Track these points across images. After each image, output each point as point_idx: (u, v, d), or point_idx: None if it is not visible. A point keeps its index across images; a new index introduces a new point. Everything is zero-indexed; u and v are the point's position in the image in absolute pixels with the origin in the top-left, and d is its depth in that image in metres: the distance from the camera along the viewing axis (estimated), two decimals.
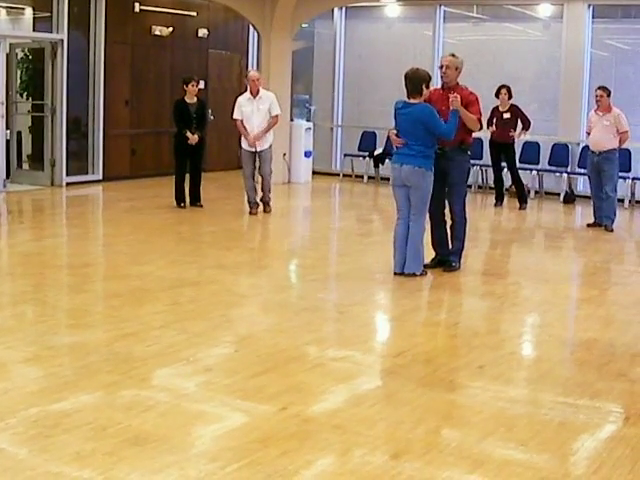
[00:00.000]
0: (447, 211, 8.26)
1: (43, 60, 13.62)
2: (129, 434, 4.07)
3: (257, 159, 11.47)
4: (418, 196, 7.65)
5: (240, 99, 11.48)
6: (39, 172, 13.83)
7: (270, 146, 11.46)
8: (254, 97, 11.33)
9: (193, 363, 5.25)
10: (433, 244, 8.24)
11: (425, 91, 7.55)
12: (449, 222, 8.27)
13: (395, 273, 7.74)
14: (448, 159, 7.83)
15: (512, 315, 6.92)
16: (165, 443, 3.98)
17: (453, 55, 8.02)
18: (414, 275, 7.70)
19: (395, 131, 7.71)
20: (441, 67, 7.92)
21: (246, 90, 11.45)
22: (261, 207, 11.55)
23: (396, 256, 7.78)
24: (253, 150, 11.34)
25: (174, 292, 7.15)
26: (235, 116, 11.42)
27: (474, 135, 8.11)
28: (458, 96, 7.58)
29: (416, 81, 7.53)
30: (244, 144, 11.42)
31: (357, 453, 3.96)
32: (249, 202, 11.50)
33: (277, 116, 11.43)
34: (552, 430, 4.33)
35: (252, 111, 11.30)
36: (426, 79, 7.56)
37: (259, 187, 11.54)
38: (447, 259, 8.17)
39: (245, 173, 11.49)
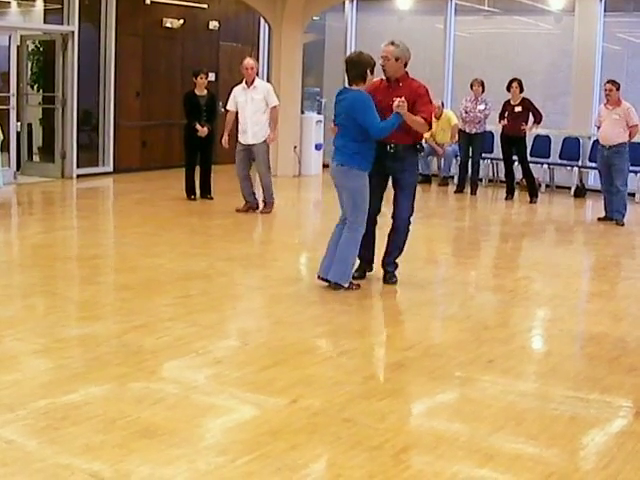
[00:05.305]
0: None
1: (54, 52, 13.64)
2: (139, 426, 4.07)
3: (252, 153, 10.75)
4: (347, 199, 6.84)
5: (235, 89, 10.86)
6: (49, 164, 13.86)
7: (264, 140, 10.68)
8: (248, 87, 10.64)
9: (203, 356, 5.25)
10: (360, 250, 6.99)
11: (369, 77, 6.73)
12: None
13: (318, 277, 6.98)
14: (399, 159, 6.92)
15: (523, 309, 6.90)
16: (175, 436, 3.98)
17: (392, 43, 6.89)
18: (339, 286, 6.81)
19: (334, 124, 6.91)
20: (381, 59, 6.85)
21: (242, 81, 10.79)
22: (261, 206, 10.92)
23: (325, 259, 6.94)
24: (246, 143, 10.65)
25: (184, 284, 7.15)
26: (228, 107, 10.83)
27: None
28: (405, 102, 6.55)
29: (360, 66, 6.70)
30: (240, 137, 10.72)
31: (366, 446, 3.95)
32: (244, 197, 10.86)
33: (276, 107, 10.74)
34: (562, 424, 4.32)
35: (245, 101, 10.61)
36: (370, 64, 6.69)
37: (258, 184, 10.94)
38: (385, 269, 7.20)
39: (237, 168, 10.81)
